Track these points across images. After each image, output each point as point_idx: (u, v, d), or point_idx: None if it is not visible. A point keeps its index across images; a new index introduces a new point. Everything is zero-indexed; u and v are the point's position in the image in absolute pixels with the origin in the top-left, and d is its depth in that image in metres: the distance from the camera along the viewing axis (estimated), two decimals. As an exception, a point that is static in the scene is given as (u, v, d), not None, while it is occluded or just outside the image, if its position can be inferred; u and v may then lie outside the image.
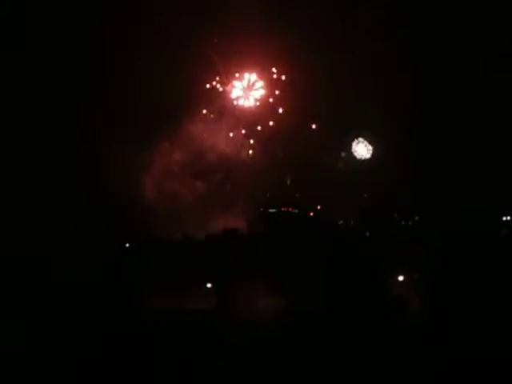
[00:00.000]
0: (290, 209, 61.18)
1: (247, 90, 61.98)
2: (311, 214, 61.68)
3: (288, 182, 62.96)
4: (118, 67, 57.79)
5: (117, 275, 48.80)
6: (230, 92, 62.41)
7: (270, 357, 37.38)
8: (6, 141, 55.07)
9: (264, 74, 62.40)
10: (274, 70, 62.33)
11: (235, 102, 62.41)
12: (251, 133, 62.40)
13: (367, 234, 59.62)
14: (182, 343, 39.77)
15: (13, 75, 55.54)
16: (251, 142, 61.94)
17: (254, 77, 62.04)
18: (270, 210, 60.81)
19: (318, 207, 62.31)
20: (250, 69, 62.19)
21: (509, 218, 56.47)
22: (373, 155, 62.09)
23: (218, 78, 62.26)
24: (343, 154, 63.12)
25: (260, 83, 62.18)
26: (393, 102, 57.08)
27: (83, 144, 57.30)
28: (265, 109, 62.51)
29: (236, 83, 61.84)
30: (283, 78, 62.15)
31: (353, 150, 62.78)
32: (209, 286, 49.05)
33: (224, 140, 61.92)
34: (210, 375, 36.62)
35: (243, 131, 61.99)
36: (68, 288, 45.99)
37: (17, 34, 55.83)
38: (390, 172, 59.18)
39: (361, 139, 62.16)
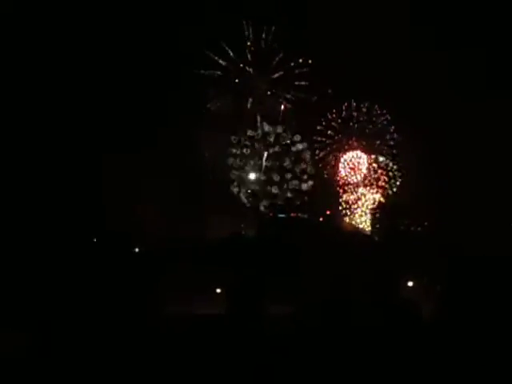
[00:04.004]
0: (298, 214, 61.29)
1: None
2: (320, 219, 61.85)
3: (298, 188, 63.21)
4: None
5: (126, 280, 48.62)
6: None
7: (281, 363, 37.32)
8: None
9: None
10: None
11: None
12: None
13: (376, 238, 59.71)
14: (193, 349, 39.61)
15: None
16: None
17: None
18: (280, 215, 60.91)
19: (328, 212, 62.47)
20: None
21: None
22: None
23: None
24: None
25: None
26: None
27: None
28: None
29: None
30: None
31: None
32: (218, 291, 48.97)
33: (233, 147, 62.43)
34: (221, 381, 36.47)
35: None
36: (78, 293, 45.87)
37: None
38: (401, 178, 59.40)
39: None
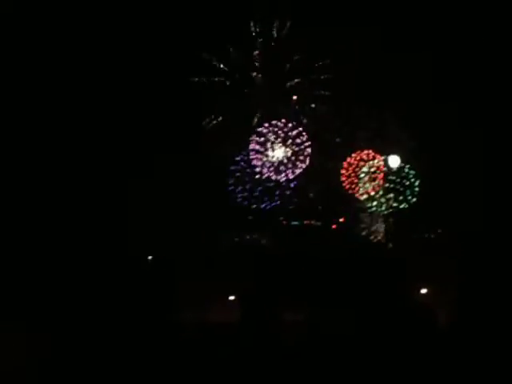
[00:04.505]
0: (312, 221, 61.24)
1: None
2: (333, 226, 61.74)
3: (311, 194, 63.06)
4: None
5: (138, 288, 48.69)
6: None
7: (295, 371, 37.27)
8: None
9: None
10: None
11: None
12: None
13: (390, 245, 59.59)
14: (206, 357, 39.57)
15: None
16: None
17: None
18: (293, 223, 60.91)
19: (341, 220, 62.34)
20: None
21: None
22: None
23: None
24: None
25: None
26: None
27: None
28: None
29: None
30: None
31: None
32: (232, 298, 48.98)
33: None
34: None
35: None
36: (89, 301, 45.93)
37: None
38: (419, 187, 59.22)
39: None
